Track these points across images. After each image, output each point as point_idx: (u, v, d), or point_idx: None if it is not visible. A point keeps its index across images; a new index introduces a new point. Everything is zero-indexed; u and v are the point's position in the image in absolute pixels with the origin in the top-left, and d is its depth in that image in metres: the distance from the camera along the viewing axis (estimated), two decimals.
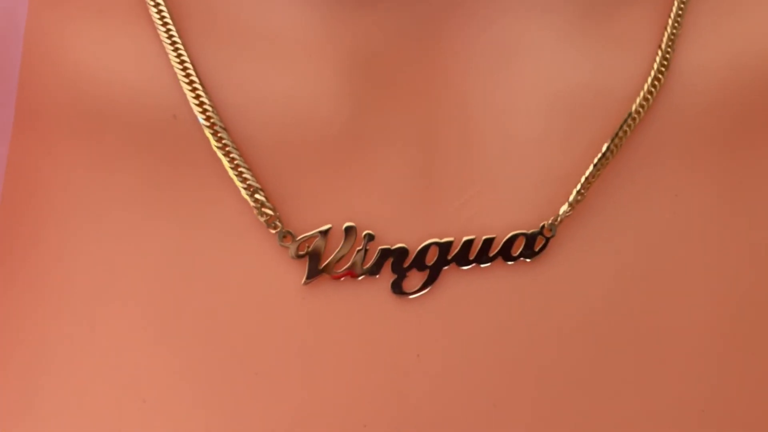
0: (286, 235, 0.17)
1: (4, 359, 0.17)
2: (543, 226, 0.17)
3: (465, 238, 0.17)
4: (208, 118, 0.17)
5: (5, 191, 0.17)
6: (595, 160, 0.17)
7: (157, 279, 0.17)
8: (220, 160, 0.17)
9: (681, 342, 0.17)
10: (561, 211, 0.17)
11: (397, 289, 0.17)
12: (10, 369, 0.17)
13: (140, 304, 0.17)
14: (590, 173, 0.17)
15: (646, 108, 0.17)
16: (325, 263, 0.17)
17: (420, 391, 0.16)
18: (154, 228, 0.17)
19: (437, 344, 0.17)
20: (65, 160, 0.17)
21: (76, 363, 0.16)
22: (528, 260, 0.17)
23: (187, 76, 0.17)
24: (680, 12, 0.18)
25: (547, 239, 0.17)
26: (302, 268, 0.17)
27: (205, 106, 0.17)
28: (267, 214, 0.17)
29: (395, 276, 0.17)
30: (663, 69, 0.17)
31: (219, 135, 0.17)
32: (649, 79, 0.17)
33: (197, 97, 0.17)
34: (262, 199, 0.17)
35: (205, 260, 0.17)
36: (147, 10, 0.17)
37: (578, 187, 0.17)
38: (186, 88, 0.17)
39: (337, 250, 0.17)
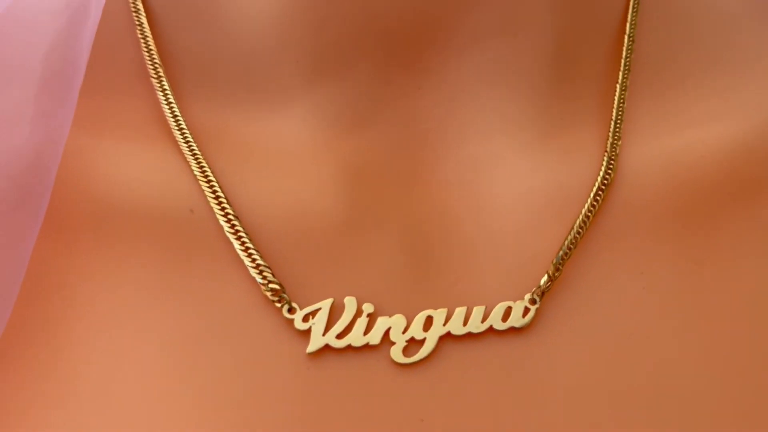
0: (291, 309, 0.18)
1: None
2: (528, 298, 0.19)
3: (457, 308, 0.18)
4: (222, 209, 0.19)
5: (28, 283, 0.18)
6: (566, 241, 0.19)
7: (173, 353, 0.17)
8: (231, 246, 0.19)
9: (656, 403, 0.18)
10: (542, 282, 0.19)
11: (397, 356, 0.18)
12: None
13: (157, 376, 0.17)
14: (563, 252, 0.19)
15: (600, 200, 0.20)
16: (328, 333, 0.18)
17: None
18: (172, 308, 0.18)
19: (440, 408, 0.17)
20: (88, 252, 0.19)
21: None
22: (518, 327, 0.18)
23: (205, 176, 0.19)
24: (619, 123, 0.21)
25: (535, 309, 0.18)
26: (307, 339, 0.18)
27: (220, 200, 0.19)
28: (273, 290, 0.18)
29: (394, 344, 0.18)
30: (610, 170, 0.21)
31: (232, 222, 0.19)
32: (599, 178, 0.20)
33: (214, 192, 0.19)
34: (270, 276, 0.18)
35: (218, 333, 0.18)
36: (169, 128, 0.20)
37: (555, 260, 0.19)
38: (204, 186, 0.19)
39: (338, 322, 0.18)
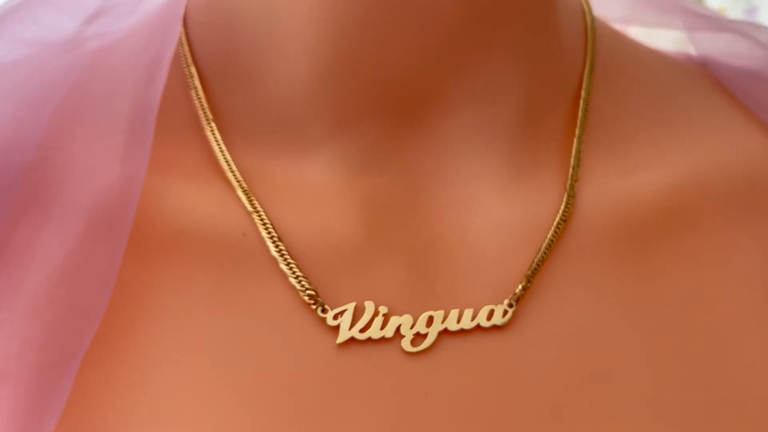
0: (324, 309, 0.23)
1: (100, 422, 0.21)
2: (506, 302, 0.24)
3: (452, 310, 0.24)
4: (269, 233, 0.24)
5: (113, 298, 0.23)
6: (535, 259, 0.25)
7: (230, 348, 0.22)
8: (276, 262, 0.24)
9: (609, 382, 0.23)
10: (517, 290, 0.24)
11: (406, 346, 0.23)
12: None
13: (217, 366, 0.22)
14: (533, 267, 0.25)
15: (561, 229, 0.26)
16: (353, 328, 0.23)
17: (428, 419, 0.22)
18: (229, 312, 0.23)
19: (439, 386, 0.22)
20: (160, 271, 0.23)
21: (160, 422, 0.21)
22: (499, 325, 0.24)
23: (254, 207, 0.25)
24: (576, 169, 0.27)
25: (512, 311, 0.24)
26: (336, 333, 0.23)
27: (267, 225, 0.24)
28: (310, 295, 0.23)
29: (404, 337, 0.23)
30: (570, 205, 0.26)
31: (276, 243, 0.24)
32: (560, 211, 0.26)
33: (261, 219, 0.24)
34: (306, 284, 0.23)
35: (266, 330, 0.23)
36: (222, 170, 0.26)
37: (527, 273, 0.24)
38: (254, 215, 0.24)
39: (360, 320, 0.23)
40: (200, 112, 0.27)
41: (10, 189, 0.23)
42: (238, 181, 0.25)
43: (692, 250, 0.26)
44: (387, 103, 0.25)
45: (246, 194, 0.25)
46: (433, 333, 0.23)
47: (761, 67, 0.33)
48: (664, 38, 0.39)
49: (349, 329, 0.23)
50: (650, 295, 0.25)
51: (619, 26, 0.35)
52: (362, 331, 0.23)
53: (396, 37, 0.24)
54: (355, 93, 0.25)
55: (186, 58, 0.28)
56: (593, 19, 0.31)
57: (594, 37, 0.30)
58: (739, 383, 0.24)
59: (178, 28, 0.27)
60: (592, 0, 0.37)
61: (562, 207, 0.26)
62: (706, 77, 0.33)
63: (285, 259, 0.24)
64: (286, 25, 0.25)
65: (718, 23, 0.35)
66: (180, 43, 0.28)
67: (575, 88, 0.29)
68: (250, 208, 0.25)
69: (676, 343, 0.24)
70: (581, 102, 0.28)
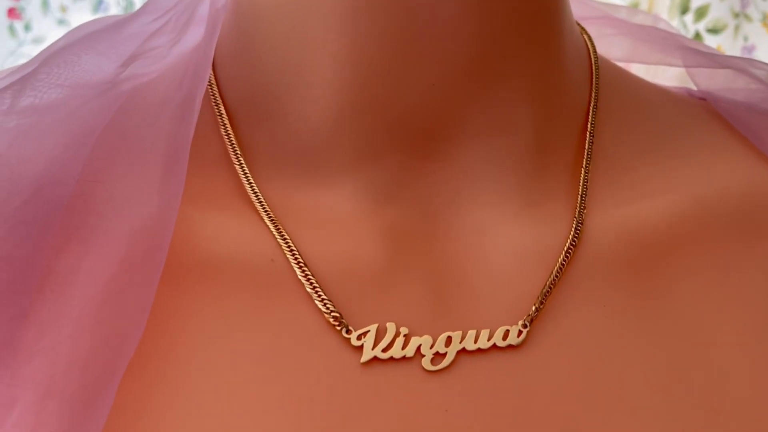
0: (348, 330, 0.24)
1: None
2: (521, 323, 0.25)
3: (470, 331, 0.25)
4: (295, 259, 0.26)
5: (150, 320, 0.24)
6: (547, 282, 0.26)
7: (260, 367, 0.24)
8: (302, 286, 0.25)
9: (620, 398, 0.24)
10: (531, 311, 0.25)
11: (427, 365, 0.24)
12: None
13: (249, 383, 0.23)
14: (545, 290, 0.26)
15: (571, 254, 0.27)
16: (376, 348, 0.24)
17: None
18: (259, 333, 0.24)
19: (459, 402, 0.23)
20: (194, 295, 0.25)
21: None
22: (514, 345, 0.25)
23: (281, 235, 0.26)
24: (584, 197, 0.28)
25: (526, 331, 0.25)
26: (360, 353, 0.24)
27: (293, 251, 0.26)
28: (335, 317, 0.25)
29: (424, 356, 0.24)
30: (579, 231, 0.28)
31: (303, 268, 0.25)
32: (570, 237, 0.27)
33: (288, 246, 0.26)
34: (331, 307, 0.25)
35: (294, 349, 0.24)
36: (251, 201, 0.27)
37: (540, 296, 0.26)
38: (281, 242, 0.26)
39: (383, 340, 0.24)
40: (229, 148, 0.28)
41: (53, 219, 0.24)
42: (265, 211, 0.27)
43: (696, 272, 0.28)
44: (404, 137, 0.27)
45: (273, 223, 0.26)
46: (451, 352, 0.24)
47: (758, 100, 0.35)
48: (665, 74, 0.41)
49: (372, 349, 0.24)
50: (656, 315, 0.26)
51: (621, 64, 0.37)
52: (385, 350, 0.24)
53: (412, 77, 0.26)
54: (374, 129, 0.27)
55: (216, 98, 0.29)
56: (597, 56, 0.33)
57: (598, 73, 0.32)
58: (742, 404, 0.25)
59: (209, 70, 0.28)
60: (597, 40, 0.39)
61: (572, 232, 0.27)
62: (705, 111, 0.35)
63: (311, 283, 0.25)
64: (309, 68, 0.27)
65: (715, 60, 0.36)
66: (210, 85, 0.30)
67: (582, 121, 0.31)
68: (277, 236, 0.26)
69: (681, 362, 0.26)
70: (588, 134, 0.30)
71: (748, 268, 0.28)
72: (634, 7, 0.81)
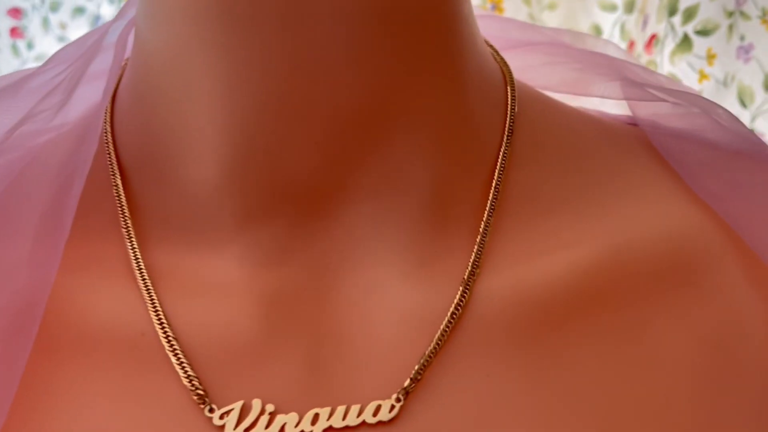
0: (211, 409, 0.24)
1: None
2: (394, 397, 0.24)
3: (339, 407, 0.24)
4: (164, 332, 0.25)
5: (20, 391, 0.24)
6: (426, 352, 0.25)
7: None
8: (170, 361, 0.25)
9: None
10: (405, 384, 0.24)
11: None
12: None
13: None
14: (423, 360, 0.25)
15: (456, 318, 0.26)
16: (238, 428, 0.24)
17: None
18: (125, 407, 0.24)
19: None
20: (65, 365, 0.25)
21: None
22: (386, 421, 0.24)
23: (153, 306, 0.26)
24: (479, 255, 0.27)
25: (399, 406, 0.24)
26: None
27: (163, 324, 0.25)
28: (199, 395, 0.24)
29: None
30: (466, 292, 0.26)
31: (171, 343, 0.25)
32: (456, 300, 0.26)
33: (159, 319, 0.25)
34: (197, 383, 0.24)
35: (155, 428, 0.23)
36: (132, 270, 0.27)
37: (417, 367, 0.25)
38: (153, 317, 0.25)
39: (246, 419, 0.24)
40: (119, 210, 0.28)
41: None
42: (143, 279, 0.26)
43: (601, 331, 0.26)
44: (290, 198, 0.26)
45: (149, 292, 0.26)
46: (318, 430, 0.24)
47: (698, 127, 0.33)
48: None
49: (234, 429, 0.23)
50: (546, 388, 0.25)
51: (555, 95, 0.36)
52: (247, 430, 0.24)
53: (295, 136, 0.25)
54: (259, 190, 0.26)
55: (111, 158, 0.29)
56: (514, 90, 0.31)
57: (513, 111, 0.31)
58: None
59: (98, 134, 0.28)
60: (529, 69, 0.37)
61: (457, 297, 0.26)
62: (639, 142, 0.33)
63: (178, 359, 0.25)
64: (193, 130, 0.26)
65: (655, 93, 0.34)
66: (106, 144, 0.29)
67: (489, 169, 0.29)
68: (150, 307, 0.26)
69: (577, 428, 0.24)
70: (494, 182, 0.29)
71: (662, 327, 0.27)
72: (629, 6, 0.79)
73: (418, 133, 0.27)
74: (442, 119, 0.27)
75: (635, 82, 0.35)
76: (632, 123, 0.35)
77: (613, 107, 0.38)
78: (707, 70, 0.68)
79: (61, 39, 0.98)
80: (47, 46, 0.99)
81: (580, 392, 0.25)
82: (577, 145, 0.32)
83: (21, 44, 1.00)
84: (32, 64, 1.03)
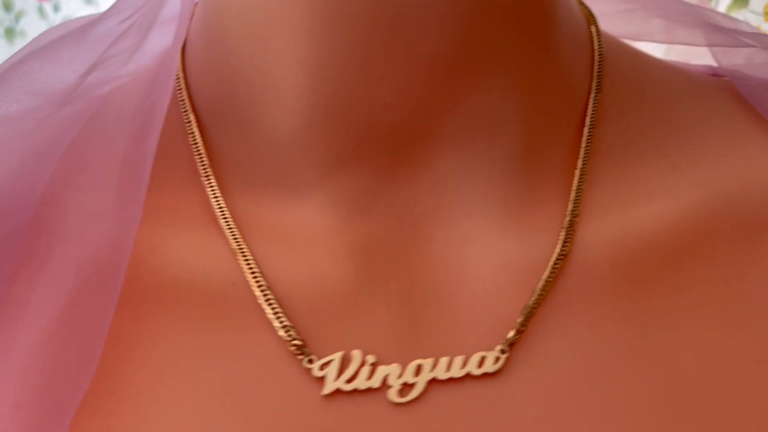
0: (310, 360, 0.23)
1: None
2: (498, 348, 0.23)
3: (442, 358, 0.23)
4: (257, 281, 0.24)
5: (107, 346, 0.23)
6: (530, 303, 0.24)
7: (218, 397, 0.22)
8: (263, 311, 0.24)
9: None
10: (509, 335, 0.23)
11: (393, 397, 0.22)
12: None
13: (206, 415, 0.22)
14: (527, 311, 0.24)
15: (558, 268, 0.25)
16: (339, 379, 0.23)
17: None
18: (218, 361, 0.23)
19: None
20: (153, 319, 0.24)
21: None
22: (490, 372, 0.23)
23: (243, 255, 0.25)
24: (577, 203, 0.26)
25: (504, 357, 0.23)
26: (322, 384, 0.23)
27: (255, 274, 0.24)
28: (296, 345, 0.23)
29: (391, 387, 0.23)
30: (567, 242, 0.25)
31: (264, 292, 0.24)
32: (557, 250, 0.25)
33: (250, 268, 0.24)
34: (294, 334, 0.23)
35: (253, 380, 0.23)
36: (216, 219, 0.26)
37: (521, 318, 0.24)
38: (244, 266, 0.24)
39: (347, 370, 0.23)
40: (197, 159, 0.27)
41: (11, 247, 0.23)
42: (230, 228, 0.25)
43: (699, 285, 0.25)
44: (379, 144, 0.25)
45: (237, 241, 0.25)
46: (421, 383, 0.23)
47: None
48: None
49: (335, 380, 0.23)
50: (651, 338, 0.24)
51: (635, 43, 0.34)
52: (348, 381, 0.23)
53: (385, 79, 0.24)
54: (347, 136, 0.25)
55: (185, 106, 0.28)
56: (600, 38, 0.30)
57: (601, 58, 0.29)
58: (747, 426, 0.23)
59: (173, 78, 0.27)
60: (608, 17, 0.36)
61: (559, 245, 0.25)
62: (727, 93, 0.31)
63: (273, 308, 0.24)
64: (277, 73, 0.25)
65: (741, 38, 0.33)
66: (179, 90, 0.28)
67: (580, 115, 0.28)
68: (239, 256, 0.25)
69: (678, 390, 0.23)
70: (585, 130, 0.27)
71: (761, 279, 0.25)
72: None
73: (509, 78, 0.25)
74: (532, 64, 0.26)
75: (720, 27, 0.34)
76: (713, 74, 0.34)
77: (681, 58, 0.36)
78: (765, 26, 0.65)
79: (87, 1, 0.96)
80: (74, 7, 0.97)
81: (681, 344, 0.24)
82: (662, 95, 0.30)
83: (47, 6, 0.99)
84: None
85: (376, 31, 0.23)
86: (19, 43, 1.00)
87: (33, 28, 0.99)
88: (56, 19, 1.00)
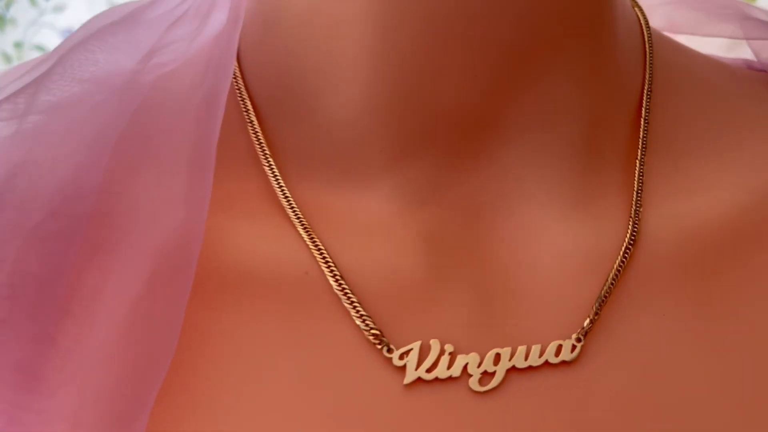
0: (389, 349, 0.23)
1: None
2: (574, 337, 0.23)
3: (519, 347, 0.23)
4: (331, 271, 0.24)
5: (181, 339, 0.23)
6: (602, 290, 0.24)
7: (296, 389, 0.22)
8: (339, 300, 0.24)
9: (679, 414, 0.22)
10: (585, 324, 0.24)
11: (474, 386, 0.22)
12: None
13: (281, 418, 0.22)
14: (600, 299, 0.24)
15: (628, 257, 0.25)
16: (419, 368, 0.23)
17: None
18: (294, 352, 0.23)
19: (510, 426, 0.22)
20: (225, 310, 0.23)
21: None
22: (568, 361, 0.23)
23: (315, 244, 0.24)
24: (640, 193, 0.26)
25: (580, 346, 0.23)
26: (403, 373, 0.23)
27: (329, 263, 0.24)
28: (375, 335, 0.23)
29: (471, 376, 0.23)
30: (636, 231, 0.25)
31: (339, 281, 0.24)
32: (626, 238, 0.25)
33: (323, 257, 0.24)
34: (371, 323, 0.23)
35: (332, 370, 0.22)
36: (281, 205, 0.25)
37: (595, 306, 0.24)
38: (315, 252, 0.24)
39: (427, 359, 0.23)
40: (257, 147, 0.27)
41: (74, 237, 0.23)
42: (297, 217, 0.25)
43: (764, 273, 0.26)
44: (443, 133, 0.25)
45: (306, 231, 0.25)
46: (501, 371, 0.23)
47: None
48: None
49: (416, 369, 0.23)
50: (721, 324, 0.24)
51: (671, 36, 0.34)
52: (429, 370, 0.23)
53: (452, 67, 0.24)
54: (411, 125, 0.25)
55: (241, 92, 0.27)
56: (650, 32, 0.30)
57: (652, 51, 0.30)
58: None
59: (233, 63, 0.26)
60: (645, 10, 0.36)
61: (628, 233, 0.25)
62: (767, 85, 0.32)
63: (348, 298, 0.24)
64: (340, 61, 0.25)
65: None
66: (234, 77, 0.28)
67: (635, 106, 0.28)
68: (310, 245, 0.24)
69: (751, 376, 0.24)
70: (642, 121, 0.28)
71: None
72: None
73: (570, 68, 0.25)
74: (592, 55, 0.26)
75: (761, 21, 0.34)
76: (752, 68, 0.34)
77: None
78: None
79: None
80: None
81: (751, 333, 0.24)
82: (710, 86, 0.31)
83: None
84: (50, 15, 0.99)
85: (444, 19, 0.23)
86: (10, 31, 0.98)
87: (24, 15, 0.97)
88: (47, 7, 0.98)
